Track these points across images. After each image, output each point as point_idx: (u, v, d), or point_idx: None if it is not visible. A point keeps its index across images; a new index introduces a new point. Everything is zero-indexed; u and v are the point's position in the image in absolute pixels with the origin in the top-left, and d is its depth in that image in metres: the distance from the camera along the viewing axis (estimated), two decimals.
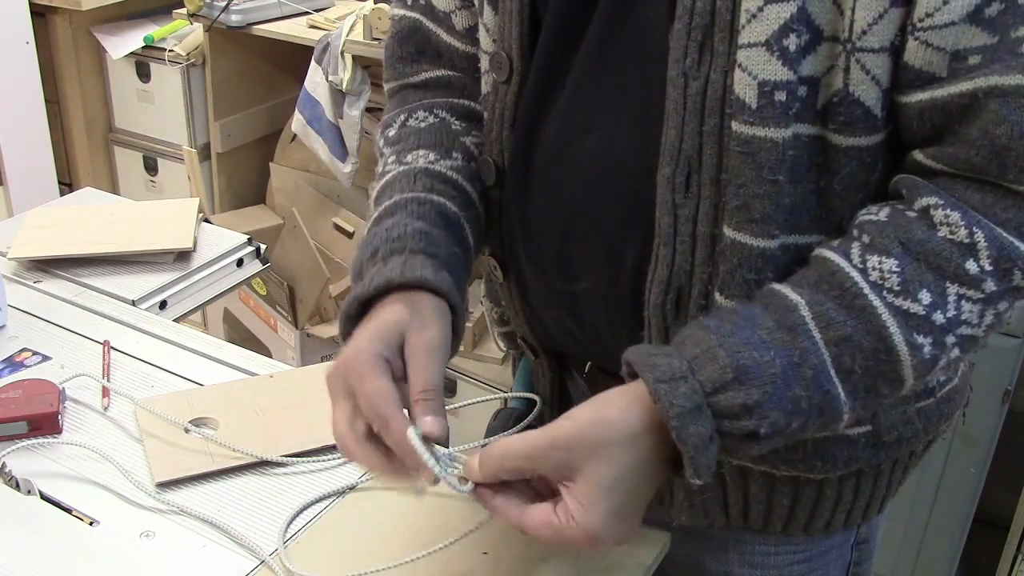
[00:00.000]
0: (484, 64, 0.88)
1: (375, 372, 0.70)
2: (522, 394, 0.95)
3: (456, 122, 0.92)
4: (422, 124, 0.91)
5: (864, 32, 0.68)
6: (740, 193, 0.72)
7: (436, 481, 0.69)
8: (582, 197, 0.81)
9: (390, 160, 0.89)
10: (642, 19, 0.76)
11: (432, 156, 0.88)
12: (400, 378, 0.72)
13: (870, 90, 0.70)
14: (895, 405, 0.83)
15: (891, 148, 0.74)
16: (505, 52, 0.84)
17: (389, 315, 0.73)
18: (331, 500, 0.90)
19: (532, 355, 0.96)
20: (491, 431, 0.91)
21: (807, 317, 0.68)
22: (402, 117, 0.92)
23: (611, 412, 0.67)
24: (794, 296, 0.70)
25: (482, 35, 0.87)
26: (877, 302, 0.68)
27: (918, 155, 0.72)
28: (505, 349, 1.05)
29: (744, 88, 0.70)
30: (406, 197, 0.83)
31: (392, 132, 0.92)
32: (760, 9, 0.68)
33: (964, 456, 1.79)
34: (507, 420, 0.91)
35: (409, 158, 0.88)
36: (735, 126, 0.71)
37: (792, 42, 0.68)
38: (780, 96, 0.69)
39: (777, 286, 0.72)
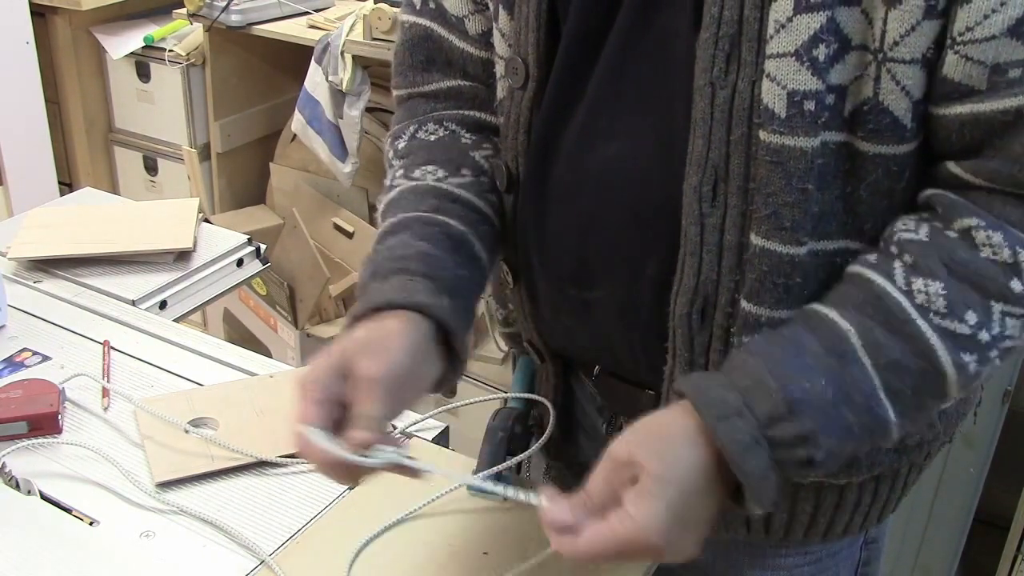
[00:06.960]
0: (499, 69, 0.87)
1: (305, 398, 0.70)
2: (522, 394, 0.95)
3: (467, 135, 0.91)
4: (432, 137, 0.90)
5: (896, 43, 0.67)
6: (769, 202, 0.72)
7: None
8: (601, 206, 0.80)
9: (398, 174, 0.89)
10: (665, 27, 0.75)
11: (440, 173, 0.87)
12: (347, 397, 0.71)
13: (900, 100, 0.69)
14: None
15: (920, 157, 0.73)
16: (521, 58, 0.83)
17: (348, 340, 0.73)
18: (331, 500, 0.90)
19: (538, 359, 0.95)
20: (491, 431, 0.90)
21: (857, 345, 0.69)
22: (412, 128, 0.92)
23: (673, 428, 0.68)
24: (843, 323, 0.70)
25: (497, 40, 0.86)
26: (925, 326, 0.69)
27: (954, 168, 0.72)
28: (506, 349, 1.04)
29: (772, 98, 0.69)
30: (411, 216, 0.83)
31: (402, 144, 0.92)
32: (789, 19, 0.67)
33: (964, 456, 1.79)
34: (506, 419, 0.91)
35: (417, 173, 0.87)
36: (763, 135, 0.70)
37: (821, 52, 0.67)
38: (809, 105, 0.69)
39: (823, 309, 0.72)
